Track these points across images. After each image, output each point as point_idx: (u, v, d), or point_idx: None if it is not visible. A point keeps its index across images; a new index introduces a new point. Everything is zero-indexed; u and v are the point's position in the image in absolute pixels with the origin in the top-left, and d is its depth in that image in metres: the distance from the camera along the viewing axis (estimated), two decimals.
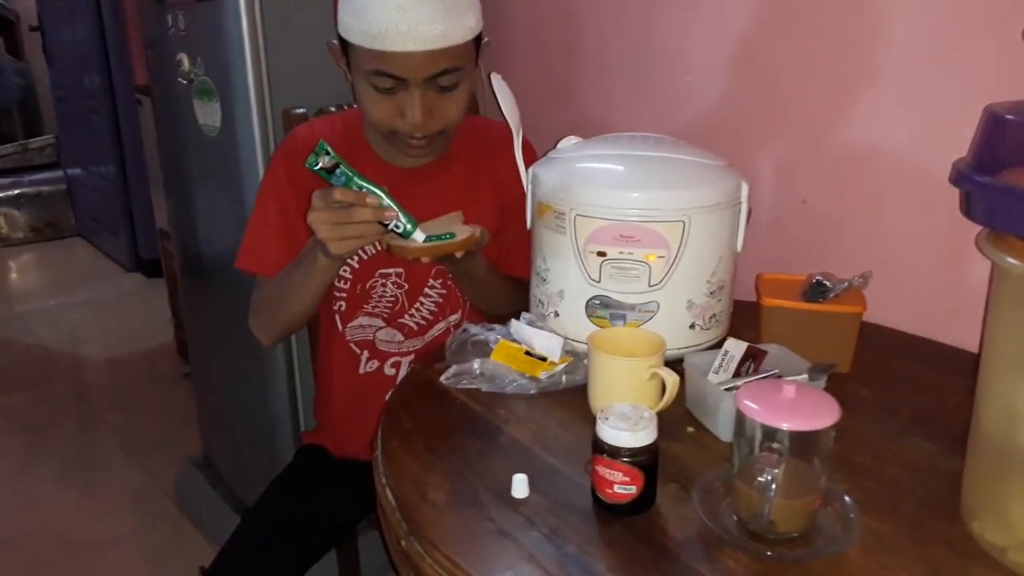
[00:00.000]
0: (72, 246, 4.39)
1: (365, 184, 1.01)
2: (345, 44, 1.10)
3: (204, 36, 1.58)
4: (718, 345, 1.03)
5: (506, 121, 1.14)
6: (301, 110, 1.38)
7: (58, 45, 4.08)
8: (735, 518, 0.75)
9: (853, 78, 1.20)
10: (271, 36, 1.49)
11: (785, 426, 0.70)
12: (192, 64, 1.61)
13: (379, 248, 1.21)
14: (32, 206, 4.40)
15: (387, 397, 1.28)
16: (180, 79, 1.66)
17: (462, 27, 1.06)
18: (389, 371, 1.31)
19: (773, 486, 0.70)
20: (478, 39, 1.12)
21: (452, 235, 1.03)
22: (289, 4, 1.51)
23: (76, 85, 3.94)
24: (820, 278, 1.06)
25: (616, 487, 0.75)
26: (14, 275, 4.14)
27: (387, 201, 1.01)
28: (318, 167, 1.00)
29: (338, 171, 1.00)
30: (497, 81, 1.12)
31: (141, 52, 3.33)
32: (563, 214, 1.02)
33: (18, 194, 4.37)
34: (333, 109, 1.41)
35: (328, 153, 1.00)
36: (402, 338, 1.29)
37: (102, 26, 3.56)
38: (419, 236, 1.02)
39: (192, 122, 1.67)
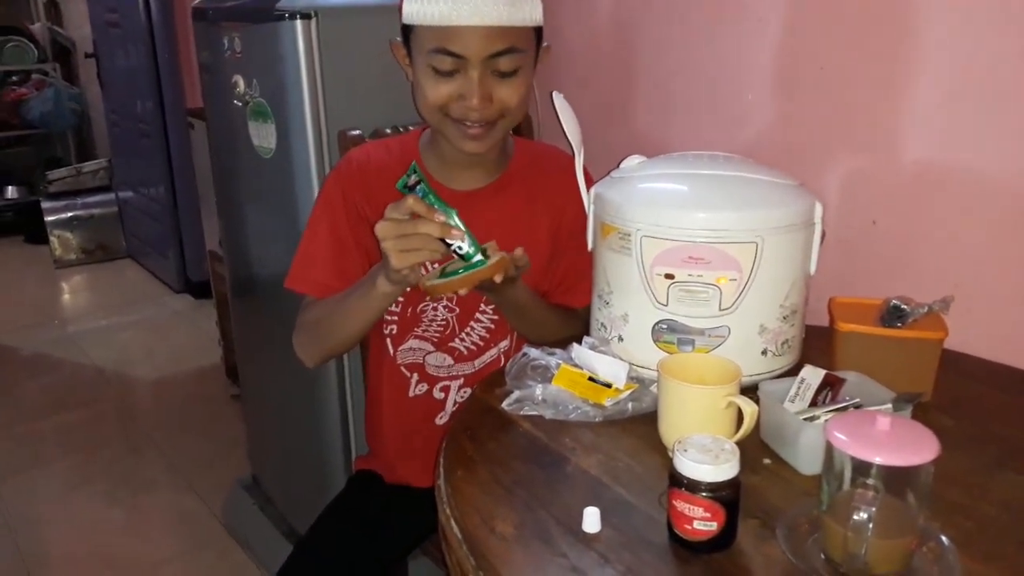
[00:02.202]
0: (122, 267, 4.46)
1: (438, 203, 1.00)
2: (408, 36, 1.11)
3: (260, 58, 1.58)
4: (790, 372, 0.99)
5: (568, 140, 1.12)
6: (357, 132, 1.37)
7: (112, 71, 4.17)
8: (823, 557, 0.71)
9: (926, 94, 1.15)
10: (327, 57, 1.49)
11: (879, 460, 0.66)
12: (247, 86, 1.62)
13: (430, 272, 1.19)
14: (84, 228, 4.49)
15: (438, 419, 1.29)
16: (235, 101, 1.67)
17: (525, 9, 1.07)
18: (438, 395, 1.28)
19: (870, 525, 0.65)
20: (539, 35, 1.12)
21: (486, 261, 1.01)
22: (345, 25, 1.51)
23: (129, 110, 4.03)
24: (897, 302, 1.02)
25: (696, 523, 0.71)
26: (66, 296, 4.21)
27: (455, 221, 0.99)
28: (409, 186, 1.00)
29: (418, 188, 1.00)
30: (559, 99, 1.10)
31: (192, 76, 3.40)
32: (628, 235, 0.99)
33: (71, 217, 4.46)
34: (389, 131, 1.40)
35: (416, 172, 1.00)
36: (452, 362, 1.26)
37: (155, 51, 3.63)
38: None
39: (247, 144, 1.68)
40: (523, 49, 1.09)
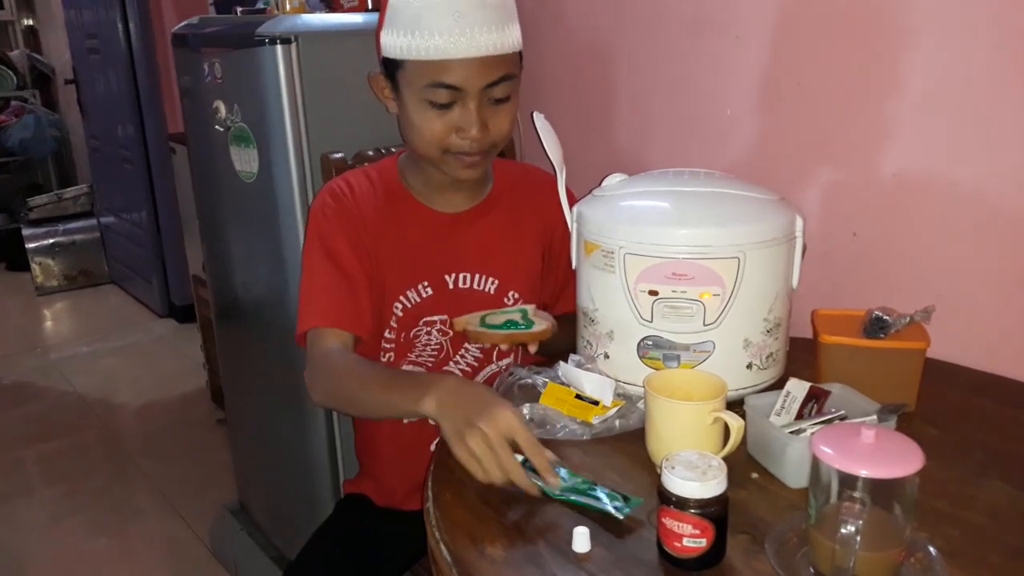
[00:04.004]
0: (105, 293, 4.43)
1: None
2: (392, 70, 1.09)
3: (241, 83, 1.58)
4: (775, 385, 1.00)
5: (550, 159, 1.12)
6: (339, 155, 1.37)
7: (92, 97, 4.16)
8: (812, 571, 0.71)
9: (903, 106, 1.17)
10: (308, 82, 1.49)
11: (865, 473, 0.67)
12: (229, 111, 1.62)
13: (423, 296, 1.20)
14: (66, 255, 4.45)
15: (432, 447, 1.26)
16: (217, 126, 1.67)
17: (513, 36, 1.08)
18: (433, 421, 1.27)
19: (858, 538, 0.65)
20: (521, 58, 1.13)
21: (531, 324, 1.07)
22: (326, 50, 1.51)
23: (110, 135, 4.01)
24: (879, 313, 1.03)
25: (685, 540, 0.71)
26: (49, 323, 4.17)
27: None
28: None
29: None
30: (540, 120, 1.11)
31: (173, 101, 3.39)
32: (611, 253, 0.99)
33: (52, 243, 4.43)
34: (371, 153, 1.40)
35: None
36: None
37: (135, 77, 3.62)
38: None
39: (229, 169, 1.68)
40: (514, 75, 1.09)
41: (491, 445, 0.84)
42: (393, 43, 1.06)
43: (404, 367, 1.24)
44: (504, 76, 1.07)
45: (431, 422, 0.92)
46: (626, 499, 0.80)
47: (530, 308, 1.12)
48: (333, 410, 1.25)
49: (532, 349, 1.07)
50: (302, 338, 1.15)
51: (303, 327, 1.14)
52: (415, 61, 1.05)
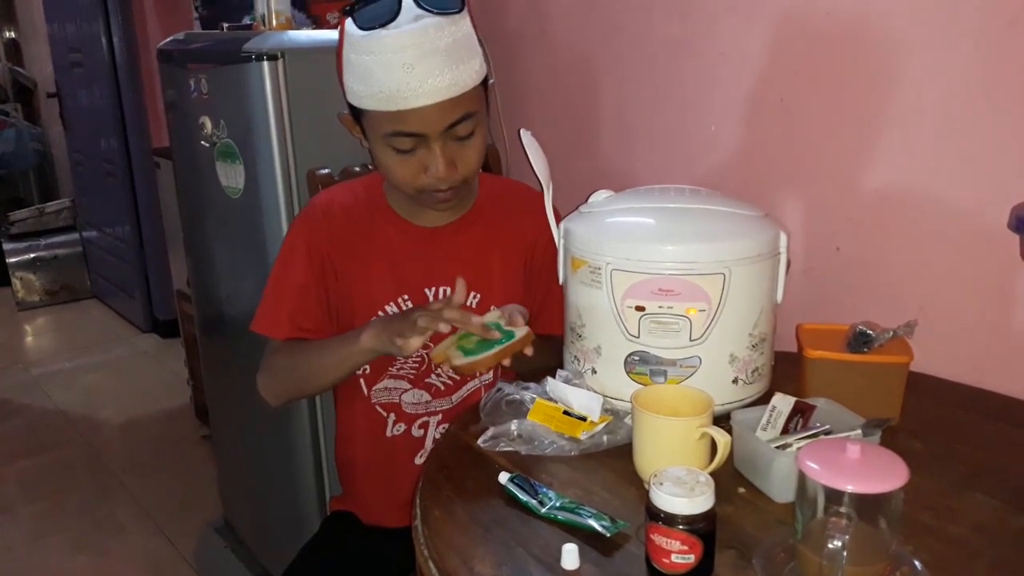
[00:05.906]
0: (87, 308, 4.40)
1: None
2: (357, 112, 1.10)
3: (227, 99, 1.58)
4: (761, 400, 1.01)
5: (536, 176, 1.13)
6: (326, 170, 1.37)
7: (75, 110, 4.14)
8: None
9: (883, 122, 1.19)
10: (295, 98, 1.50)
11: (851, 488, 0.67)
12: (215, 127, 1.62)
13: (403, 310, 1.20)
14: (48, 269, 4.43)
15: (416, 460, 1.27)
16: (203, 142, 1.67)
17: (469, 72, 1.06)
18: (417, 432, 1.27)
19: (844, 553, 0.66)
20: (485, 81, 1.12)
21: (512, 335, 1.03)
22: (312, 66, 1.52)
23: (93, 149, 3.99)
24: (863, 327, 1.04)
25: (674, 556, 0.72)
26: (30, 338, 4.14)
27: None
28: None
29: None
30: (527, 137, 1.11)
31: (158, 115, 3.38)
32: (598, 269, 1.00)
33: (34, 258, 4.40)
34: (358, 169, 1.40)
35: None
36: (429, 398, 1.26)
37: (119, 91, 3.61)
38: None
39: (214, 184, 1.67)
40: (476, 111, 1.09)
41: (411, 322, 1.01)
42: (353, 90, 1.07)
43: (384, 382, 1.25)
44: (464, 115, 1.06)
45: (370, 343, 1.07)
46: (613, 521, 0.81)
47: (494, 316, 1.07)
48: (292, 400, 1.28)
49: (529, 352, 1.04)
50: (256, 329, 1.26)
51: (257, 326, 1.25)
52: (373, 111, 1.06)
